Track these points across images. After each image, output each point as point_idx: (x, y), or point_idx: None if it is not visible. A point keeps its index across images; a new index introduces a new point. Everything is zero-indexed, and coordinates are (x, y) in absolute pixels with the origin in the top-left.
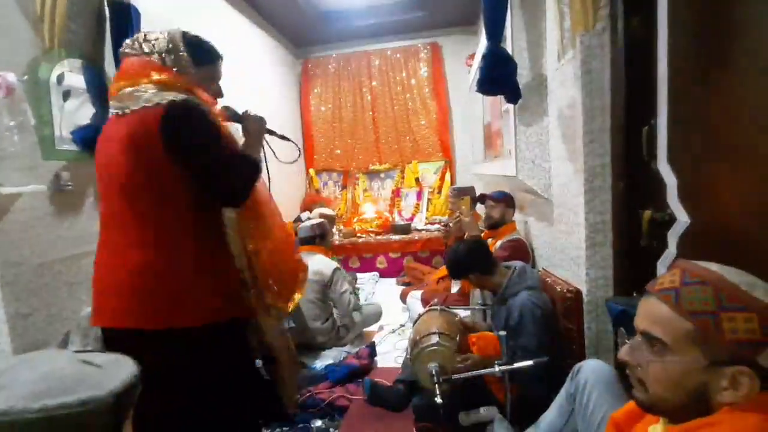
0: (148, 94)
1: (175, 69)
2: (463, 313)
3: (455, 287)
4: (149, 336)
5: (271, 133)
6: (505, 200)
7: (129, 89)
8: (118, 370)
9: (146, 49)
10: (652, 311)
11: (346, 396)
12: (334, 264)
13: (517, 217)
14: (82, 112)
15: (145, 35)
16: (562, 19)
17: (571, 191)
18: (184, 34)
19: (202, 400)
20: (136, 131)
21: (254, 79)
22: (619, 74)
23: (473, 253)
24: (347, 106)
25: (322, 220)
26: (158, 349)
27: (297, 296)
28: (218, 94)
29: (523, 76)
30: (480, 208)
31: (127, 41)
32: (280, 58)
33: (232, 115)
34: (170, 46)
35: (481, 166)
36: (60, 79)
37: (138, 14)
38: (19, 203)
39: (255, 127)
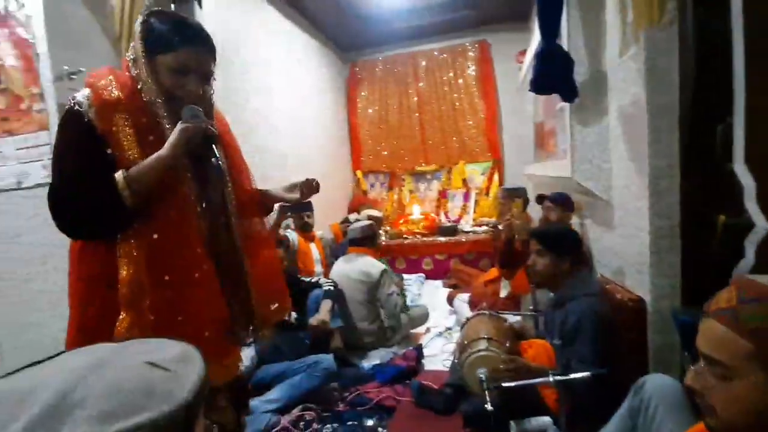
0: None
1: (135, 60)
2: (512, 318)
3: (504, 291)
4: None
5: (207, 140)
6: (564, 203)
7: None
8: (186, 372)
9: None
10: (711, 333)
11: (394, 396)
12: (382, 266)
13: (572, 219)
14: None
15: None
16: (624, 13)
17: (633, 193)
18: (148, 16)
19: None
20: None
21: (303, 84)
22: (688, 70)
23: (576, 238)
24: (393, 107)
25: (371, 222)
26: None
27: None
28: (187, 93)
29: (580, 74)
30: (532, 209)
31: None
32: (329, 62)
33: (187, 118)
34: (134, 40)
35: (533, 167)
36: None
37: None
38: None
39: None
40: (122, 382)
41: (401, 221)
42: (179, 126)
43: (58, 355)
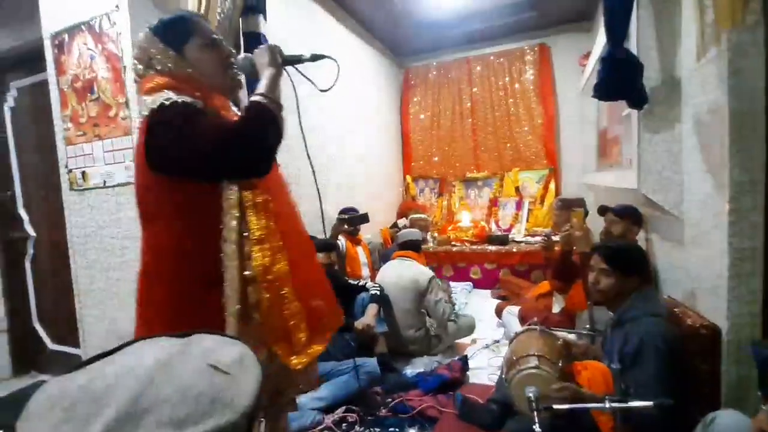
0: (144, 106)
1: (159, 68)
2: (566, 336)
3: (557, 306)
4: None
5: (297, 60)
6: (631, 216)
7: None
8: (245, 377)
9: (141, 72)
10: None
11: (437, 407)
12: (430, 272)
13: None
14: None
15: (133, 60)
16: (702, 13)
17: (710, 210)
18: (150, 30)
19: None
20: (135, 149)
21: (358, 90)
22: None
23: (644, 256)
24: (446, 113)
25: (419, 229)
26: None
27: (316, 349)
28: (225, 68)
29: (650, 79)
30: (591, 221)
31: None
32: (383, 68)
33: (248, 65)
34: (146, 53)
35: (593, 176)
36: None
37: (266, 41)
38: None
39: (263, 61)
40: (189, 386)
41: (450, 228)
42: (259, 53)
43: (125, 345)
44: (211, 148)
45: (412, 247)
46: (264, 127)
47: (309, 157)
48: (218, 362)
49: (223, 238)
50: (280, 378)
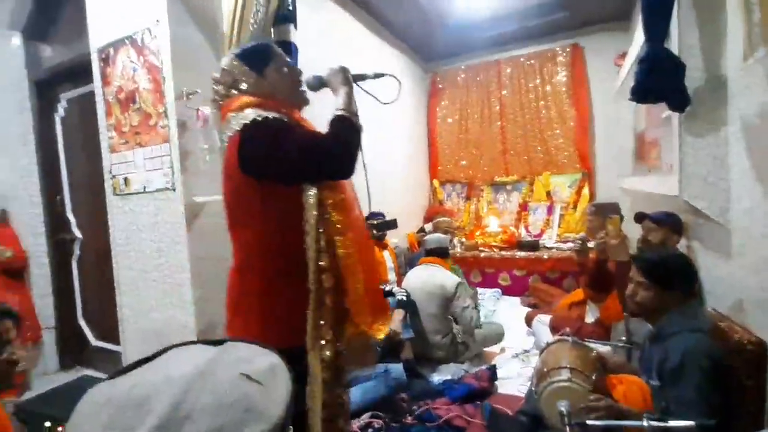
0: (231, 123)
1: (244, 88)
2: (600, 348)
3: (591, 316)
4: None
5: (361, 78)
6: (671, 224)
7: (227, 118)
8: (277, 387)
9: (222, 92)
10: None
11: (464, 416)
12: (457, 278)
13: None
14: None
15: (214, 81)
16: (749, 10)
17: (759, 218)
18: (235, 56)
19: None
20: (226, 160)
21: (385, 96)
22: None
23: (689, 268)
24: (474, 116)
25: (446, 234)
26: None
27: (385, 325)
28: (297, 86)
29: (694, 79)
30: (627, 228)
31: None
32: (411, 72)
33: (317, 83)
34: (231, 75)
35: (630, 181)
36: None
37: (296, 49)
38: (206, 209)
39: (337, 80)
40: (224, 395)
41: (477, 233)
42: (333, 72)
43: (163, 351)
44: (308, 156)
45: (439, 253)
46: (350, 136)
47: (365, 166)
48: (251, 372)
49: (306, 232)
50: (345, 356)
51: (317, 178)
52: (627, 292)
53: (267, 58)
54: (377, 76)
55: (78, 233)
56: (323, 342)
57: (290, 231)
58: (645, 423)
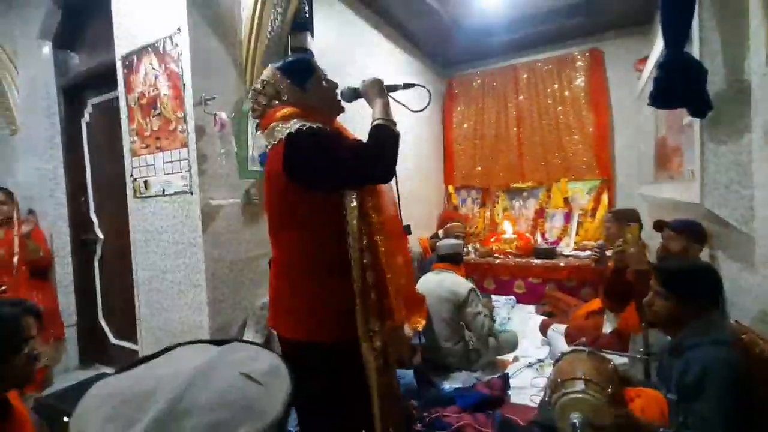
0: (275, 131)
1: (286, 99)
2: (617, 360)
3: (608, 326)
4: (292, 345)
5: (394, 88)
6: (692, 232)
7: (266, 131)
8: (277, 388)
9: (263, 101)
10: None
11: (475, 425)
12: (470, 284)
13: (704, 251)
14: None
15: (255, 92)
16: None
17: None
18: (278, 69)
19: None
20: (270, 167)
21: (413, 104)
22: None
23: (713, 278)
24: (490, 122)
25: (459, 240)
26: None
27: (422, 318)
28: (334, 98)
29: (715, 84)
30: (646, 236)
31: (251, 106)
32: (426, 78)
33: (351, 94)
34: (274, 87)
35: (650, 188)
36: None
37: (312, 56)
38: (222, 212)
39: (373, 92)
40: (224, 393)
41: (492, 239)
42: (369, 84)
43: (168, 349)
44: (354, 162)
45: (451, 259)
46: (390, 142)
47: (395, 174)
48: (252, 371)
49: (348, 233)
50: (389, 347)
51: (362, 183)
52: (645, 300)
53: (308, 72)
54: (407, 86)
55: (100, 234)
56: (372, 333)
57: (333, 232)
58: None
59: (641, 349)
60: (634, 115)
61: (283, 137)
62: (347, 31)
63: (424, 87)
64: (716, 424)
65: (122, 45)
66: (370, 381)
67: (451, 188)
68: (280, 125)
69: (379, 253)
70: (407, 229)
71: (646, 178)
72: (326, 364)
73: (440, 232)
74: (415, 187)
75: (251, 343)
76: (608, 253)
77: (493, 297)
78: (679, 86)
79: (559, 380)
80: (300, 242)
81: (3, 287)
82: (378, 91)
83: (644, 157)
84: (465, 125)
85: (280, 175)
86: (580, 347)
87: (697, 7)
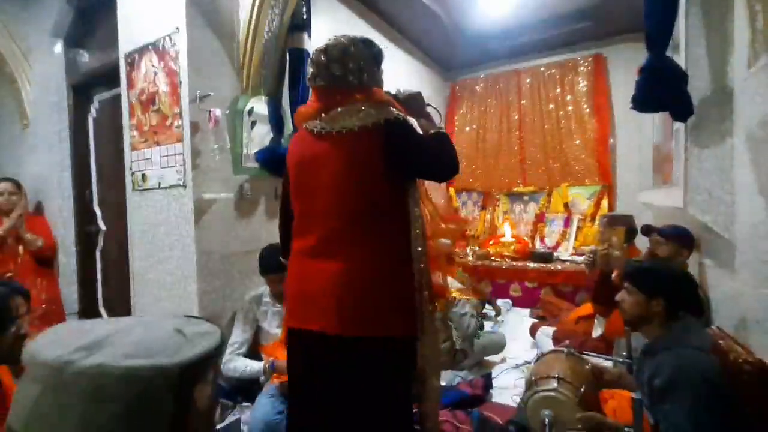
0: (362, 113)
1: (370, 83)
2: (603, 362)
3: (597, 331)
4: (347, 342)
5: (428, 104)
6: (680, 238)
7: (340, 109)
8: (200, 343)
9: (337, 72)
10: None
11: (453, 422)
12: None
13: (692, 257)
14: (264, 137)
15: (329, 57)
16: (753, 18)
17: (763, 233)
18: (364, 45)
19: (360, 414)
20: (357, 150)
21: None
22: None
23: (678, 278)
24: (492, 126)
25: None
26: (355, 354)
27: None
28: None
29: (700, 89)
30: (641, 242)
31: (313, 70)
32: (429, 82)
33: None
34: (358, 66)
35: (649, 194)
36: (250, 111)
37: (309, 56)
38: (215, 206)
39: (419, 104)
40: (147, 336)
41: (491, 242)
42: (414, 97)
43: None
44: (447, 157)
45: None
46: (452, 146)
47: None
48: (185, 330)
49: (412, 222)
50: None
51: (444, 174)
52: (617, 297)
53: (381, 58)
54: (428, 105)
55: (102, 225)
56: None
57: (405, 222)
58: None
59: (624, 353)
60: (635, 121)
61: (381, 121)
62: (345, 31)
63: (436, 109)
64: (685, 426)
65: (125, 43)
66: (427, 377)
67: (451, 191)
68: (370, 109)
69: (428, 245)
70: None
71: (646, 184)
72: (395, 359)
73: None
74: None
75: (209, 322)
76: (597, 255)
77: (499, 301)
78: (660, 90)
79: (534, 378)
80: (390, 231)
81: (9, 273)
82: (423, 103)
83: (645, 164)
84: (467, 129)
85: (372, 160)
86: (560, 348)
87: (682, 12)
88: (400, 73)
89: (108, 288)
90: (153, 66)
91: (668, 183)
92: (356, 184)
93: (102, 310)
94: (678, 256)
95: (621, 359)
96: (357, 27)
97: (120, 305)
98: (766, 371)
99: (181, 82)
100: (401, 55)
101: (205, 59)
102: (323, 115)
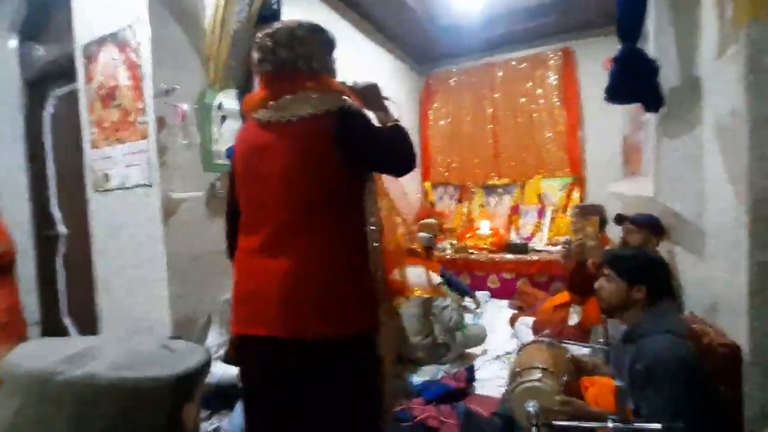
0: (313, 101)
1: (317, 67)
2: (578, 350)
3: (574, 319)
4: (301, 346)
5: (385, 98)
6: (650, 226)
7: (288, 98)
8: (189, 357)
9: (284, 56)
10: None
11: (439, 417)
12: (438, 279)
13: (662, 245)
14: (235, 133)
15: (275, 41)
16: (722, 7)
17: (731, 220)
18: (317, 31)
19: (325, 413)
20: (306, 140)
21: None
22: None
23: (655, 266)
24: (467, 119)
25: (430, 235)
26: (309, 358)
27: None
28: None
29: (669, 79)
30: (613, 231)
31: (259, 55)
32: (403, 75)
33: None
34: (309, 50)
35: (618, 185)
36: (220, 106)
37: None
38: (184, 206)
39: (375, 95)
40: (138, 351)
41: (468, 235)
42: (371, 87)
43: None
44: (404, 152)
45: (425, 254)
46: (410, 140)
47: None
48: (170, 346)
49: (367, 217)
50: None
51: (400, 168)
52: (595, 285)
53: (333, 46)
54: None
55: (63, 229)
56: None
57: (361, 212)
58: (610, 425)
59: (601, 340)
60: (603, 113)
61: (334, 109)
62: (319, 23)
63: (394, 103)
64: (666, 410)
65: (83, 34)
66: (384, 371)
67: (428, 185)
68: (323, 97)
69: (385, 240)
70: None
71: (615, 175)
72: (358, 358)
73: (414, 228)
74: (391, 183)
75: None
76: (572, 245)
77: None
78: (632, 81)
79: (517, 370)
80: (345, 225)
81: None
82: (380, 94)
83: (613, 155)
84: (442, 122)
85: (324, 149)
86: (541, 338)
87: (652, 2)
88: (374, 65)
89: (72, 296)
90: (113, 59)
91: (637, 174)
92: (308, 175)
93: (66, 320)
94: (649, 243)
95: (598, 346)
96: (332, 21)
97: (85, 314)
98: (738, 353)
99: (143, 75)
100: (374, 48)
101: (170, 51)
102: (271, 103)
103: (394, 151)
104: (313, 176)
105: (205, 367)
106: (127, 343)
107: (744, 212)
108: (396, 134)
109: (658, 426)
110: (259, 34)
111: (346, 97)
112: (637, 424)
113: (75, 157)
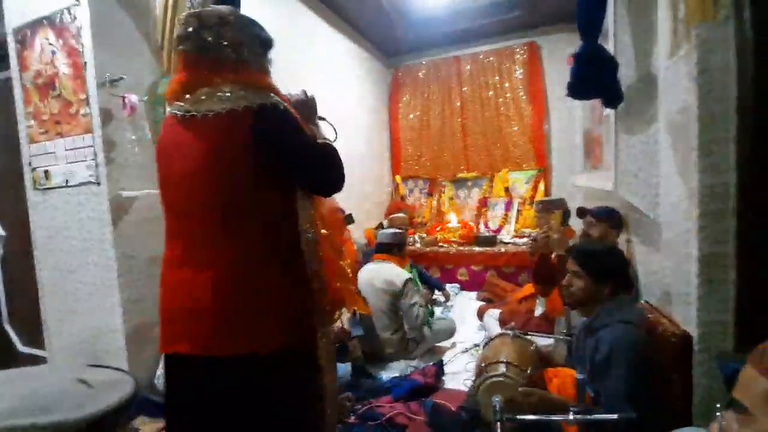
0: (233, 95)
1: (249, 63)
2: (543, 341)
3: (539, 310)
4: (228, 363)
5: (321, 118)
6: (610, 219)
7: (206, 89)
8: (107, 394)
9: (210, 38)
10: (742, 377)
11: (407, 414)
12: (407, 275)
13: (621, 236)
14: None
15: (200, 22)
16: (675, 8)
17: (682, 213)
18: (250, 21)
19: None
20: (222, 138)
21: (344, 90)
22: (747, 73)
23: (621, 261)
24: (436, 113)
25: (400, 230)
26: (236, 376)
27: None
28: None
29: (628, 77)
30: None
31: (181, 32)
32: (371, 67)
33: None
34: (238, 39)
35: (581, 178)
36: None
37: None
38: (135, 205)
39: (309, 110)
40: (42, 389)
41: (438, 229)
42: (310, 101)
43: None
44: (331, 168)
45: (390, 249)
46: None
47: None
48: (89, 379)
49: (300, 222)
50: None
51: (325, 184)
52: (563, 282)
53: (269, 45)
54: (321, 119)
55: (1, 230)
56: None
57: (290, 220)
58: (570, 416)
59: (564, 331)
60: (566, 107)
61: (254, 105)
62: (291, 19)
63: (331, 125)
64: (622, 400)
65: (14, 16)
66: (323, 382)
67: (398, 179)
68: (243, 91)
69: (322, 243)
70: (349, 219)
71: (577, 168)
72: (282, 373)
73: (384, 223)
74: (362, 177)
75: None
76: (538, 239)
77: (448, 286)
78: (593, 77)
79: (483, 365)
80: (268, 233)
81: None
82: (314, 110)
83: (575, 148)
84: (411, 115)
85: (240, 149)
86: (506, 332)
87: (611, 1)
88: (341, 57)
89: (14, 303)
90: (50, 44)
91: (598, 166)
92: (223, 178)
93: (8, 328)
94: (608, 235)
95: (562, 337)
96: (299, 13)
97: (29, 322)
98: (689, 341)
99: (85, 63)
100: (344, 41)
101: (115, 37)
102: (188, 96)
103: (319, 166)
104: (228, 179)
105: (129, 402)
106: (30, 382)
107: (694, 206)
108: (325, 150)
109: (614, 416)
110: (185, 13)
111: (274, 95)
112: (596, 415)
113: (9, 153)
